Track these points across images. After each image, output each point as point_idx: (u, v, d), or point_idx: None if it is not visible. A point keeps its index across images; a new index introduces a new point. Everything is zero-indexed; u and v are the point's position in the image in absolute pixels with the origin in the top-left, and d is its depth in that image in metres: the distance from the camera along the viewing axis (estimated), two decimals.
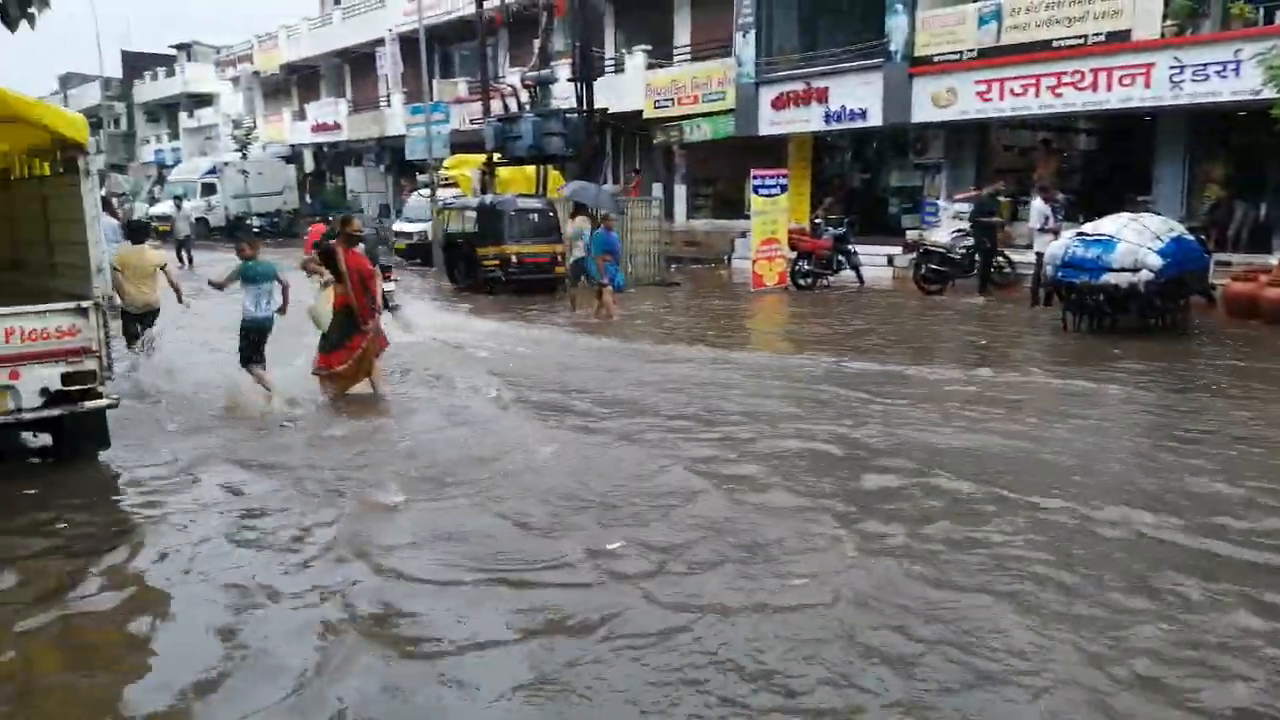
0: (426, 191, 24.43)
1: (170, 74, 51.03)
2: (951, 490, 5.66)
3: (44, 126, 6.13)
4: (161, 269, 9.75)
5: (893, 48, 18.04)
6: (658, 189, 24.80)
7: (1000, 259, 15.11)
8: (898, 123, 18.57)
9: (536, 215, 17.47)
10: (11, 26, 6.35)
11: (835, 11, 21.22)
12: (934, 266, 15.64)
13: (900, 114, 18.23)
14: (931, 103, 17.73)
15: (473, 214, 17.97)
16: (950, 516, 5.21)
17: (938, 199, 19.31)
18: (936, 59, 17.54)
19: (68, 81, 57.75)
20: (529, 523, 5.29)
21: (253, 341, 8.29)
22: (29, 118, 6.05)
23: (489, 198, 18.89)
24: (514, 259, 16.66)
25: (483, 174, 21.66)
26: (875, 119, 18.70)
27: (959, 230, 16.42)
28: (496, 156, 20.82)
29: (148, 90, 52.83)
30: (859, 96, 18.83)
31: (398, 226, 24.91)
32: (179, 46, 51.34)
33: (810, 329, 13.04)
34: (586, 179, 20.12)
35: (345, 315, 8.19)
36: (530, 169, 21.11)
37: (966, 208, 17.73)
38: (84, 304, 6.24)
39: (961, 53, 17.20)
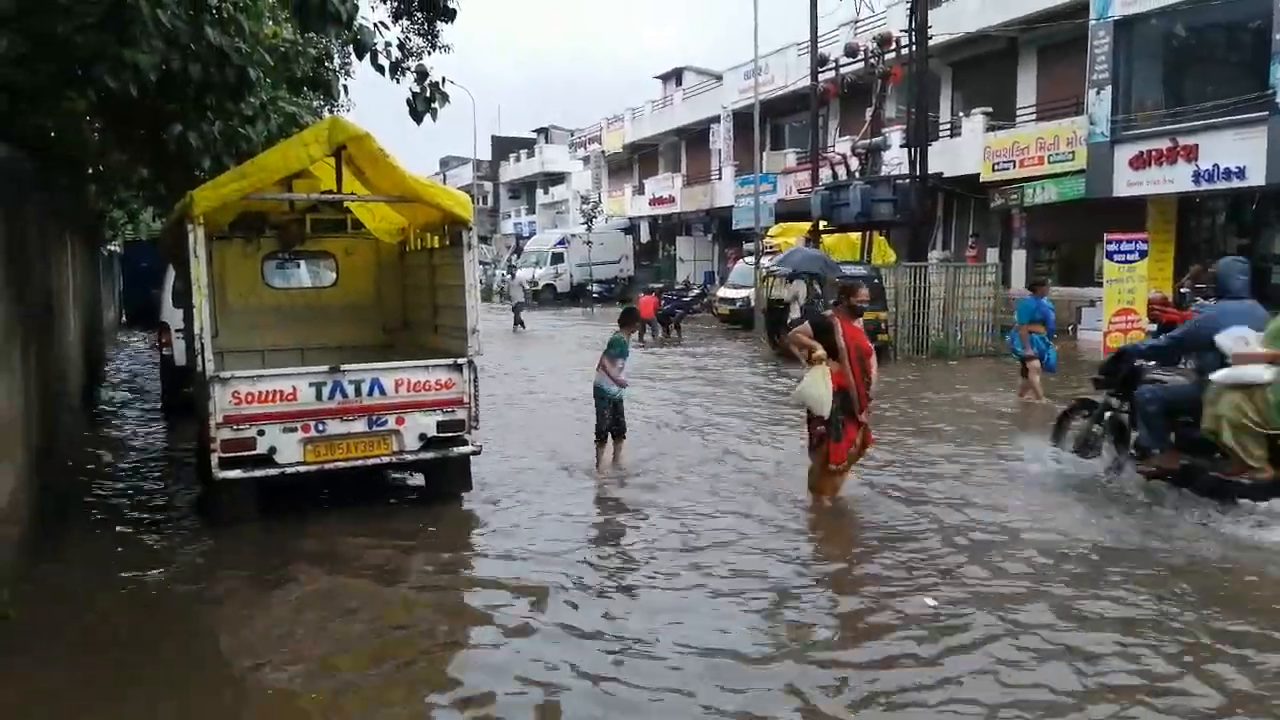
0: (751, 259, 25.08)
1: (530, 155, 57.29)
2: None
3: (437, 205, 7.01)
4: None
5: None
6: (993, 254, 23.58)
7: None
8: None
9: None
10: (418, 120, 7.39)
11: (1206, 62, 19.20)
12: None
13: None
14: None
15: None
16: None
17: None
18: None
19: (447, 163, 66.34)
20: None
21: (603, 411, 8.27)
22: (426, 198, 6.96)
23: None
24: None
25: (806, 241, 21.82)
26: (1257, 178, 16.54)
27: None
28: (822, 224, 20.90)
29: (511, 170, 59.65)
30: (1236, 153, 16.79)
31: (722, 293, 25.82)
32: (539, 130, 57.47)
33: None
34: (915, 245, 19.64)
35: (841, 398, 6.84)
36: (855, 236, 20.96)
37: None
38: (459, 361, 7.00)
39: None
